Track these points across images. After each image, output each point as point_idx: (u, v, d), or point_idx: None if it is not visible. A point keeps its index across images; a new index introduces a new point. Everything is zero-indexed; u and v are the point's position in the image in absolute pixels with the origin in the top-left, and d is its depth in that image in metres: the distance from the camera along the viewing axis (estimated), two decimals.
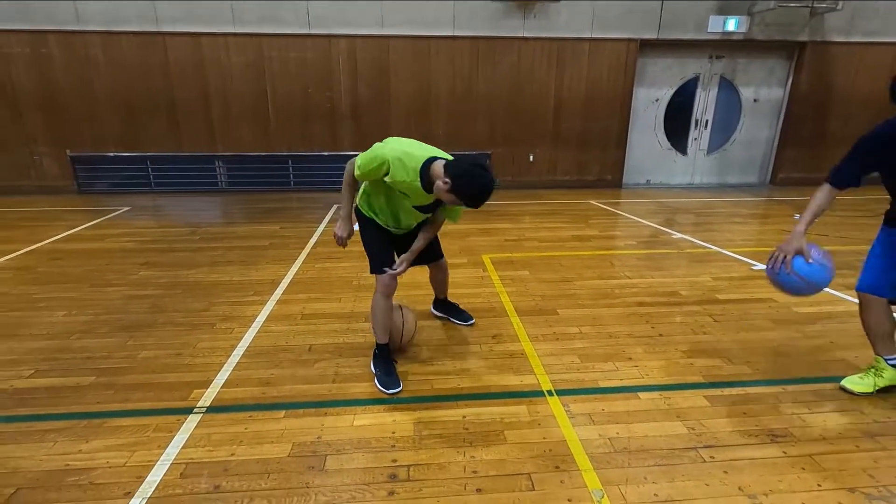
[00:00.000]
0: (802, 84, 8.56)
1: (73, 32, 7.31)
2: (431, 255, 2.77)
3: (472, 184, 1.97)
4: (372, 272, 2.43)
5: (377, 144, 2.14)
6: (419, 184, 2.11)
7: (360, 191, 2.46)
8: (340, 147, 8.25)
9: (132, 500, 1.67)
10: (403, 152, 2.09)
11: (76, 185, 8.00)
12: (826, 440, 1.98)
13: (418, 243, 2.47)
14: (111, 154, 7.94)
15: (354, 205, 2.48)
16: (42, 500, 1.67)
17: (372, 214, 2.45)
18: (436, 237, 2.71)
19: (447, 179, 1.98)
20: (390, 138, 2.18)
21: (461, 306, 3.13)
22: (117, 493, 1.70)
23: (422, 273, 3.68)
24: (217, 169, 8.24)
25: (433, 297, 3.16)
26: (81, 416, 2.14)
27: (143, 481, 1.75)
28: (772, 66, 8.71)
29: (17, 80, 7.44)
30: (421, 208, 2.31)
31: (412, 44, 7.82)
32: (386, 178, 2.14)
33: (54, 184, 7.93)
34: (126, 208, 6.86)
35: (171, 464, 1.84)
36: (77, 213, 6.50)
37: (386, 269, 2.39)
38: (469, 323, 3.05)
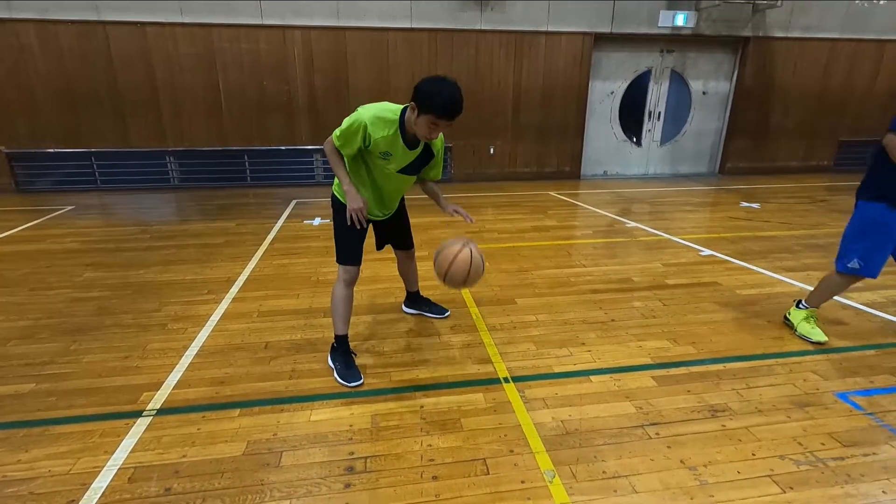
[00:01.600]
0: (747, 77, 8.97)
1: (4, 21, 6.84)
2: (407, 241, 2.79)
3: (439, 92, 1.92)
4: (337, 261, 2.39)
5: (357, 112, 2.09)
6: (400, 136, 2.11)
7: (335, 182, 2.39)
8: (298, 141, 8.08)
9: None
10: (379, 108, 2.09)
11: (13, 183, 7.53)
12: (761, 412, 2.11)
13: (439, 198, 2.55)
14: (52, 150, 7.51)
15: (332, 192, 2.40)
16: None
17: (343, 199, 2.35)
18: (408, 226, 2.75)
19: (413, 103, 1.98)
20: (367, 106, 2.11)
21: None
22: (60, 501, 1.64)
23: (383, 268, 3.68)
24: (168, 164, 7.93)
25: (404, 296, 3.14)
26: (20, 425, 2.04)
27: (87, 488, 1.70)
28: (719, 60, 9.09)
29: None
30: (406, 169, 2.26)
31: (369, 35, 7.72)
32: (368, 146, 2.10)
33: None
34: (70, 207, 6.52)
35: (119, 469, 1.79)
36: (15, 213, 6.12)
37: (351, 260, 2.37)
38: (444, 315, 3.05)
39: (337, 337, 2.42)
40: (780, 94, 9.15)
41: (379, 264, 3.94)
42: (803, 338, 2.69)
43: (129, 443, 1.93)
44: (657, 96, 9.16)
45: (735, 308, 3.19)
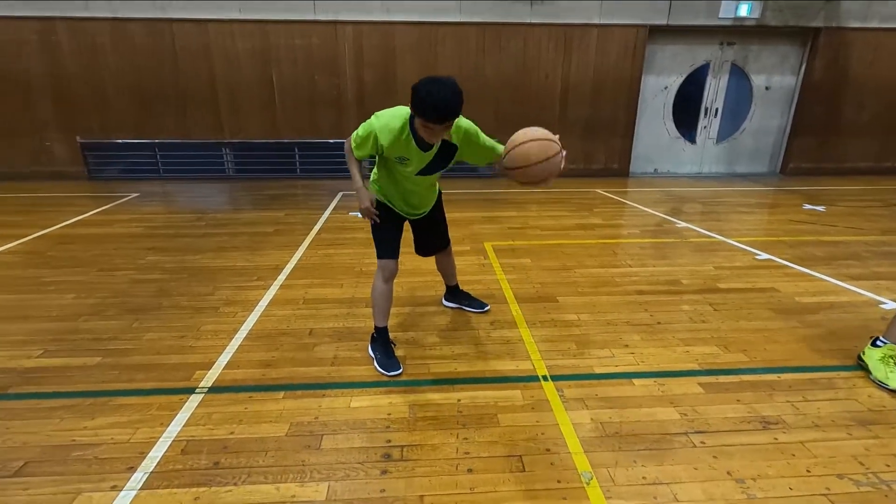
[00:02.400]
0: (816, 71, 8.38)
1: (82, 19, 7.34)
2: (439, 244, 2.80)
3: (429, 94, 1.83)
4: (378, 257, 2.44)
5: (370, 120, 2.13)
6: (413, 140, 2.08)
7: (371, 178, 2.47)
8: (346, 134, 8.16)
9: (134, 474, 1.73)
10: (389, 116, 2.09)
11: (86, 171, 8.09)
12: (818, 427, 1.99)
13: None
14: (120, 141, 8.01)
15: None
16: (48, 472, 1.74)
17: (386, 201, 2.44)
18: (443, 225, 2.74)
19: (412, 107, 1.93)
20: (380, 112, 2.14)
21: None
22: (120, 467, 1.76)
23: (424, 261, 3.71)
24: (224, 156, 8.29)
25: (444, 289, 3.17)
26: (87, 395, 2.20)
27: (145, 457, 1.81)
28: (785, 53, 8.54)
29: (28, 67, 7.50)
30: (425, 171, 2.25)
31: (418, 30, 7.76)
32: (382, 153, 2.15)
33: (65, 170, 8.03)
34: (135, 194, 6.94)
35: (173, 441, 1.90)
36: (87, 199, 6.59)
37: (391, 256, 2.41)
38: (484, 310, 3.06)
39: (377, 328, 2.47)
40: (854, 90, 8.50)
41: (421, 258, 3.97)
42: (880, 384, 2.24)
43: (182, 417, 2.04)
44: (715, 91, 8.73)
45: (793, 316, 3.01)
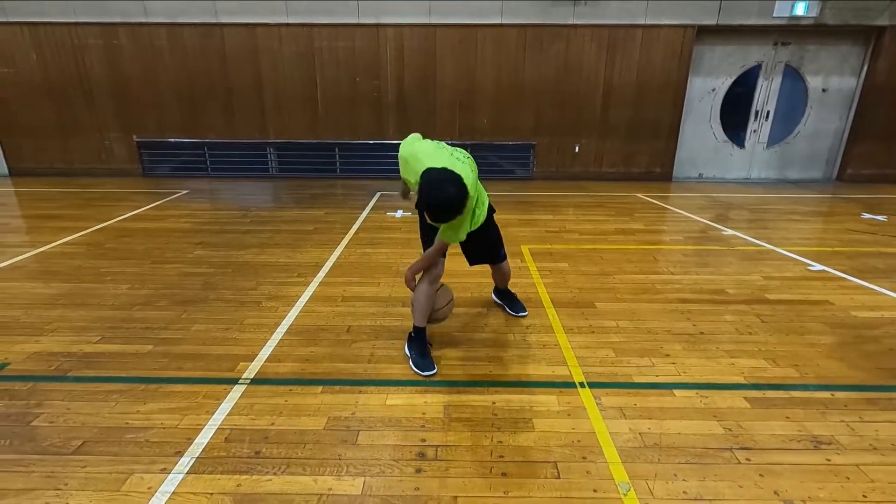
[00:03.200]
0: (879, 73, 7.90)
1: (141, 25, 7.75)
2: (488, 256, 2.81)
3: (430, 194, 1.94)
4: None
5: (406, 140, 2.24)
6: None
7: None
8: (385, 136, 8.37)
9: (182, 458, 1.81)
10: (411, 154, 2.20)
11: (141, 168, 8.53)
12: (877, 451, 1.87)
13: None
14: (172, 140, 8.41)
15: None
16: (104, 452, 1.84)
17: None
18: (495, 239, 2.75)
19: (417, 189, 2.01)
20: (410, 137, 2.27)
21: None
22: (169, 451, 1.85)
23: (462, 263, 3.71)
24: (268, 155, 8.57)
25: (481, 291, 3.23)
26: (140, 381, 2.32)
27: (192, 443, 1.90)
28: (844, 54, 8.09)
29: (91, 70, 7.98)
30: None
31: (459, 32, 7.79)
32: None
33: (122, 167, 8.49)
34: (185, 191, 7.27)
35: (217, 429, 1.98)
36: (141, 195, 6.94)
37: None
38: (521, 315, 3.05)
39: (416, 328, 2.49)
40: None
41: (457, 259, 3.98)
42: None
43: (226, 406, 2.12)
44: (766, 93, 8.36)
45: (849, 331, 2.85)
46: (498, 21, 7.72)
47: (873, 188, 7.85)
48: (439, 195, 1.92)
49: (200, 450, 1.86)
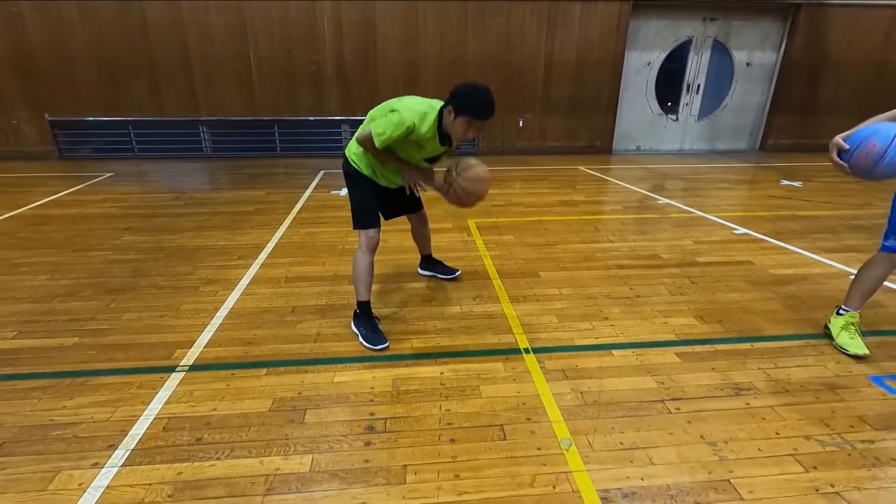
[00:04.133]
0: (796, 48, 8.45)
1: None
2: (414, 205, 2.82)
3: (475, 94, 2.10)
4: (355, 227, 2.47)
5: (391, 112, 2.17)
6: (437, 134, 2.24)
7: (358, 152, 2.43)
8: (327, 111, 8.10)
9: (116, 451, 1.72)
10: (421, 107, 2.20)
11: (57, 150, 7.83)
12: (788, 393, 2.06)
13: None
14: (91, 118, 7.75)
15: (346, 158, 2.48)
16: (27, 451, 1.72)
17: (370, 173, 2.45)
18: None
19: (450, 107, 2.13)
20: (399, 102, 2.22)
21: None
22: (101, 445, 1.75)
23: (405, 238, 3.69)
24: (201, 134, 8.08)
25: (419, 259, 3.21)
26: (65, 375, 2.17)
27: (126, 434, 1.80)
28: (766, 29, 8.58)
29: None
30: (430, 159, 2.45)
31: (399, 5, 7.58)
32: (409, 136, 2.21)
33: (34, 149, 7.75)
34: (109, 174, 6.75)
35: (154, 418, 1.89)
36: (58, 179, 6.39)
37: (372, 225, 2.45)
38: (455, 275, 3.16)
39: (360, 303, 2.47)
40: (832, 67, 8.59)
41: (403, 235, 3.97)
42: (841, 349, 2.32)
43: (163, 395, 2.03)
44: (697, 68, 8.75)
45: (767, 288, 3.09)
46: None
47: (791, 157, 8.47)
48: (483, 91, 2.11)
49: (136, 441, 1.77)
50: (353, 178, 2.48)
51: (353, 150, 2.46)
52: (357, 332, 2.47)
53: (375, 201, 2.51)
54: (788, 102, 8.81)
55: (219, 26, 7.44)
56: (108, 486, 1.58)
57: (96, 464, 1.67)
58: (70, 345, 2.42)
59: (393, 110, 2.18)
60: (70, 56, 7.36)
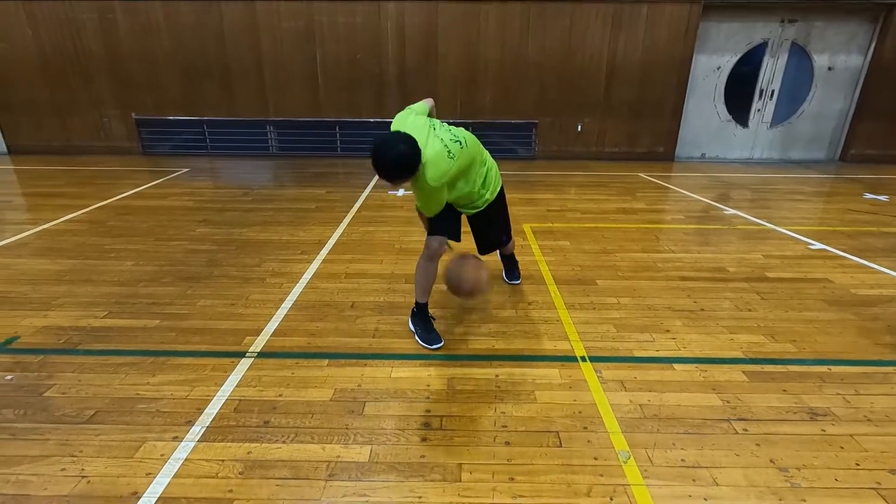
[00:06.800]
0: (887, 51, 7.79)
1: (136, 0, 7.62)
2: (495, 240, 2.79)
3: (377, 150, 1.96)
4: (428, 235, 2.47)
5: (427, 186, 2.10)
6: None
7: None
8: (386, 114, 8.29)
9: (193, 427, 1.86)
10: (437, 156, 2.08)
11: (140, 146, 8.47)
12: (871, 422, 1.92)
13: None
14: (171, 118, 8.33)
15: None
16: (117, 421, 1.89)
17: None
18: (501, 224, 2.77)
19: None
20: (402, 112, 2.24)
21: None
22: (180, 420, 1.90)
23: (468, 240, 3.74)
24: (268, 134, 8.50)
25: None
26: (149, 354, 2.36)
27: (202, 412, 1.94)
28: (853, 31, 7.96)
29: (87, 46, 7.86)
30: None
31: (462, 8, 7.65)
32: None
33: (121, 145, 8.43)
34: (185, 170, 7.24)
35: (226, 399, 2.02)
36: (142, 173, 6.92)
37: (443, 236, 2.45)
38: (514, 282, 3.22)
39: (418, 304, 2.52)
40: None
41: (465, 237, 4.01)
42: None
43: (234, 378, 2.17)
44: (772, 72, 8.25)
45: (848, 308, 2.88)
46: None
47: (876, 169, 7.82)
48: (387, 152, 1.93)
49: (210, 419, 1.90)
50: None
51: None
52: (413, 331, 2.53)
53: (446, 213, 2.43)
54: (876, 109, 8.13)
55: (289, 30, 7.80)
56: (186, 459, 1.71)
57: (176, 437, 1.81)
58: (153, 326, 2.63)
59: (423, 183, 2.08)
60: (154, 59, 7.95)
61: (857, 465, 1.70)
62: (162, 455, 1.72)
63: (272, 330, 2.59)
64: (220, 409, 1.97)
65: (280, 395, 2.06)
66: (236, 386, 2.11)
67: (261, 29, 7.78)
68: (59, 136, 8.36)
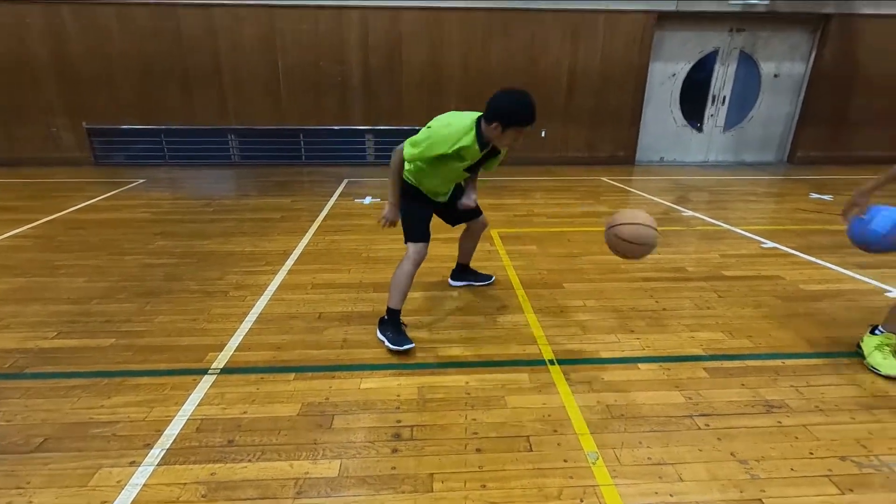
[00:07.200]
0: (826, 59, 8.29)
1: (86, 4, 7.31)
2: (473, 212, 2.84)
3: (522, 104, 2.12)
4: (406, 241, 2.53)
5: (436, 127, 2.20)
6: (477, 145, 2.23)
7: (411, 165, 2.44)
8: (351, 121, 8.23)
9: (152, 450, 1.78)
10: (460, 121, 2.21)
11: (93, 156, 8.12)
12: (822, 412, 2.01)
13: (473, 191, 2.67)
14: (126, 126, 8.03)
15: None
16: (68, 448, 1.79)
17: (417, 184, 2.50)
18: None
19: (495, 123, 2.12)
20: (442, 119, 2.25)
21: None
22: (138, 444, 1.81)
23: (433, 247, 3.73)
24: (230, 142, 8.30)
25: (443, 269, 3.25)
26: (103, 375, 2.25)
27: (161, 434, 1.86)
28: (795, 40, 8.44)
29: (33, 52, 7.50)
30: (472, 168, 2.44)
31: (425, 15, 7.70)
32: (451, 152, 2.22)
33: (72, 155, 8.06)
34: (141, 180, 6.97)
35: (188, 419, 1.95)
36: (94, 185, 6.62)
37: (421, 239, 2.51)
38: (490, 281, 3.25)
39: (391, 310, 2.49)
40: (864, 78, 8.40)
41: (430, 245, 4.02)
42: (873, 370, 2.27)
43: (196, 397, 2.09)
44: (723, 79, 8.64)
45: (798, 303, 3.03)
46: (465, 4, 7.67)
47: (821, 169, 8.28)
48: (524, 97, 2.13)
49: (171, 441, 1.83)
50: (405, 192, 2.49)
51: (407, 166, 2.49)
52: (383, 338, 2.50)
53: (426, 215, 2.56)
54: (818, 114, 8.63)
55: (249, 36, 7.66)
56: (145, 484, 1.63)
57: (134, 462, 1.72)
58: (107, 345, 2.51)
59: (440, 127, 2.20)
60: (107, 65, 7.65)
61: (811, 453, 1.78)
62: (118, 482, 1.64)
63: (236, 345, 2.52)
64: (182, 429, 1.89)
65: (245, 412, 1.99)
66: (198, 405, 2.04)
67: (219, 34, 7.61)
68: (3, 147, 7.92)
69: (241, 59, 7.78)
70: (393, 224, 2.53)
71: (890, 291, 3.20)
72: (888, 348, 2.29)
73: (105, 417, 1.96)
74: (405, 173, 2.47)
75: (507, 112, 2.11)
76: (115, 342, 2.54)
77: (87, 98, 7.81)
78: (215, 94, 7.96)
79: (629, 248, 2.19)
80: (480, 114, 2.22)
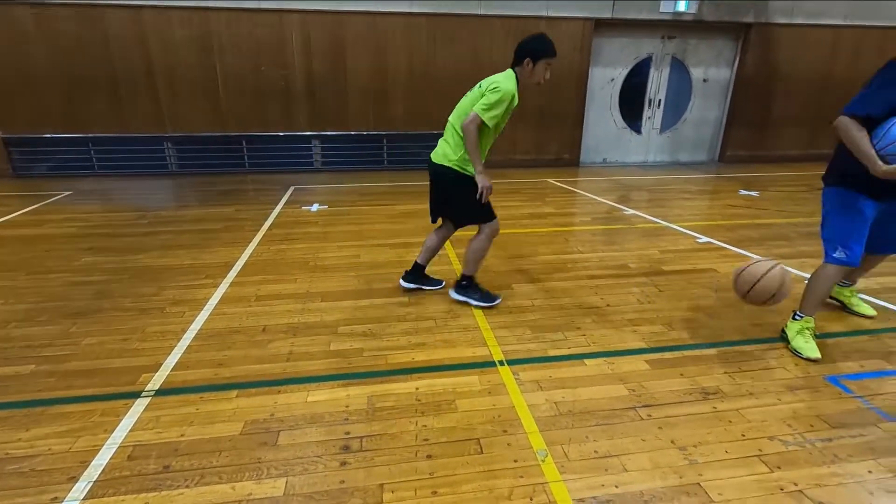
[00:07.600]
0: (748, 65, 8.90)
1: None
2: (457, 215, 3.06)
3: (544, 40, 2.55)
4: (485, 222, 2.84)
5: (494, 89, 2.52)
6: (517, 90, 2.58)
7: (459, 154, 2.72)
8: (296, 126, 8.04)
9: (77, 483, 1.64)
10: (507, 79, 2.56)
11: (11, 168, 7.50)
12: (752, 395, 2.14)
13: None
14: (49, 135, 7.47)
15: (444, 166, 2.77)
16: None
17: (470, 172, 2.73)
18: (466, 210, 2.98)
19: (527, 59, 2.53)
20: (492, 80, 2.58)
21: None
22: (61, 478, 1.67)
23: (380, 253, 3.69)
24: (166, 150, 7.89)
25: (391, 275, 3.21)
26: (21, 405, 2.06)
27: (88, 465, 1.73)
28: (720, 47, 9.00)
29: None
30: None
31: (367, 20, 7.64)
32: (516, 95, 2.59)
33: None
34: (67, 193, 6.51)
35: (118, 447, 1.82)
36: (12, 199, 6.12)
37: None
38: (441, 286, 3.27)
39: (470, 277, 2.97)
40: (782, 82, 9.08)
41: (377, 250, 3.98)
42: (796, 353, 2.43)
43: (128, 422, 1.95)
44: (658, 83, 9.10)
45: (730, 294, 3.19)
46: (407, 9, 7.67)
47: (748, 167, 8.86)
48: (543, 34, 2.59)
49: (99, 472, 1.70)
50: (463, 182, 2.73)
51: (451, 157, 2.74)
52: (467, 299, 2.97)
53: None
54: (744, 116, 9.24)
55: (183, 39, 7.32)
56: None
57: (56, 498, 1.59)
58: (27, 373, 2.31)
59: (495, 89, 2.51)
60: (25, 68, 7.10)
61: (743, 435, 1.88)
62: None
63: (173, 363, 2.38)
64: (111, 458, 1.76)
65: (182, 435, 1.88)
66: (130, 430, 1.91)
67: (150, 37, 7.23)
68: None
69: (175, 63, 7.42)
70: (491, 190, 2.74)
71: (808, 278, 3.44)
72: (808, 332, 2.47)
73: (22, 452, 1.79)
74: (458, 164, 2.73)
75: (534, 49, 2.51)
76: (35, 368, 2.34)
77: (3, 105, 7.21)
78: (148, 101, 7.55)
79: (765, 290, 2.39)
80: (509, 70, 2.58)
